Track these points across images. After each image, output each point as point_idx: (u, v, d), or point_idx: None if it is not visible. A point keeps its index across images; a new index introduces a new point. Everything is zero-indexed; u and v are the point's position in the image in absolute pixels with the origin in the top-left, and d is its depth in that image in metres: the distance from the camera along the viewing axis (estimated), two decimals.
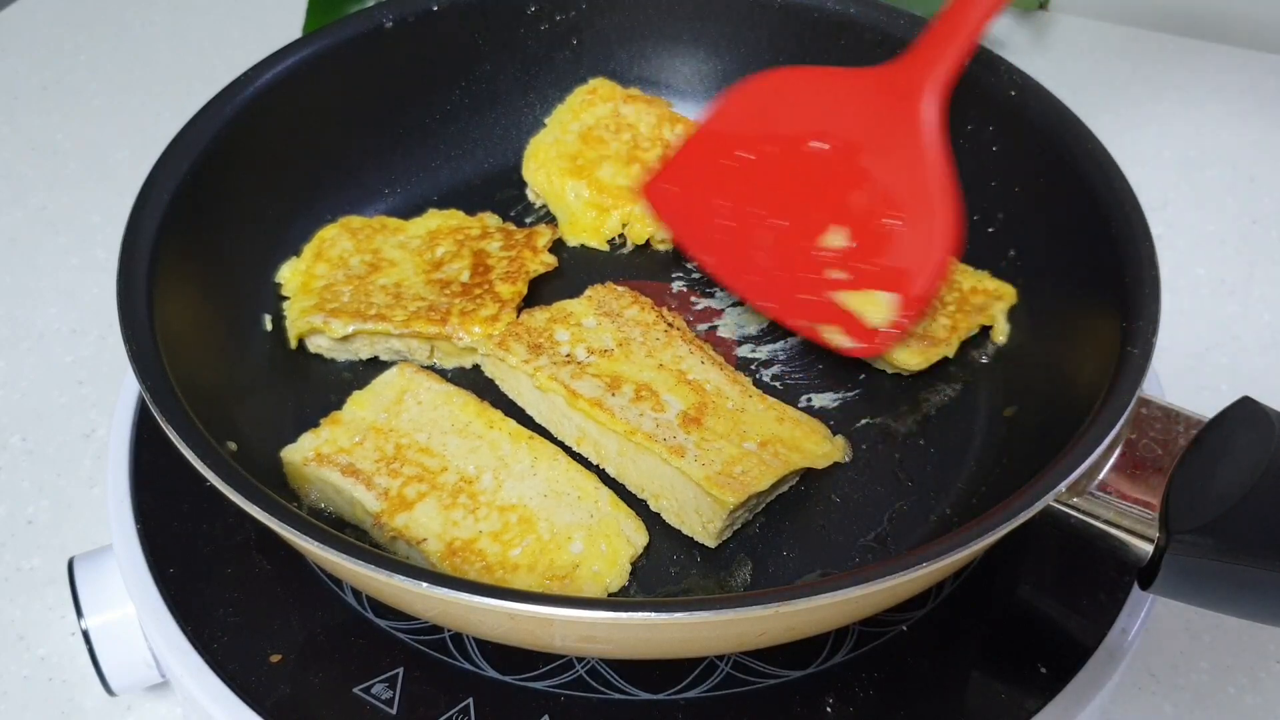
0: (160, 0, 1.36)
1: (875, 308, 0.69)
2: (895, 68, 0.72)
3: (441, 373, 0.75)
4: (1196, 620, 0.79)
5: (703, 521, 0.66)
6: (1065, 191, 0.72)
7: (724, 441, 0.67)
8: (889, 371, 0.76)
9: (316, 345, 0.76)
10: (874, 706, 0.62)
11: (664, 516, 0.68)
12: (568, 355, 0.71)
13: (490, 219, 0.82)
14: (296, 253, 0.79)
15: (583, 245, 0.84)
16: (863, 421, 0.73)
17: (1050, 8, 1.35)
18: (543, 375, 0.70)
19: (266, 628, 0.64)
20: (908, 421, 0.73)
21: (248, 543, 0.68)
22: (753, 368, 0.76)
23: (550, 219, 0.85)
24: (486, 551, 0.63)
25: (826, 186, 0.72)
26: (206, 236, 0.72)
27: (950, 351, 0.75)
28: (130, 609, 0.67)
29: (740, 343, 0.78)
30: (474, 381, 0.75)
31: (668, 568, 0.66)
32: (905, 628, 0.65)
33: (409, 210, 0.84)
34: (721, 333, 0.78)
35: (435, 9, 0.83)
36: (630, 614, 0.49)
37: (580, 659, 0.63)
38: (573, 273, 0.81)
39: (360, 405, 0.70)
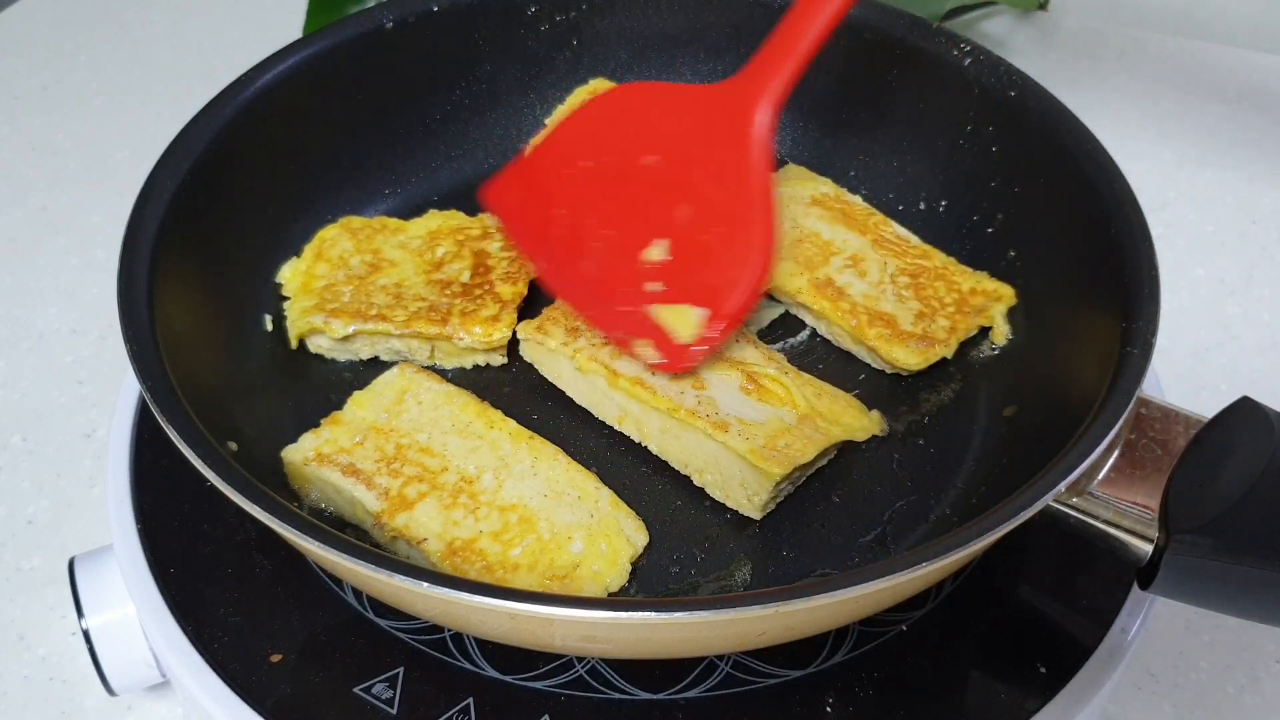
0: (160, 0, 1.36)
1: (685, 323, 0.69)
2: (732, 83, 0.72)
3: (442, 373, 0.75)
4: (1196, 620, 0.79)
5: (748, 494, 0.67)
6: (1065, 192, 0.72)
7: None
8: (888, 372, 0.76)
9: (317, 345, 0.76)
10: (874, 706, 0.62)
11: (708, 491, 0.69)
12: (605, 337, 0.72)
13: (491, 219, 0.82)
14: (297, 253, 0.79)
15: None
16: None
17: (1050, 8, 1.35)
18: (583, 357, 0.71)
19: (267, 627, 0.64)
20: (907, 421, 0.73)
21: (248, 543, 0.68)
22: None
23: None
24: (487, 551, 0.63)
25: (655, 200, 0.72)
26: (206, 236, 0.72)
27: (949, 352, 0.75)
28: (130, 609, 0.67)
29: None
30: (474, 381, 0.75)
31: (668, 567, 0.66)
32: (905, 628, 0.65)
33: (409, 210, 0.84)
34: None
35: (435, 9, 0.83)
36: (630, 614, 0.49)
37: (580, 659, 0.63)
38: None
39: (361, 405, 0.70)
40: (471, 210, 0.83)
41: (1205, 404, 0.61)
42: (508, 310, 0.75)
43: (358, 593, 0.66)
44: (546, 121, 0.87)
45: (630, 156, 0.74)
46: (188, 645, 0.63)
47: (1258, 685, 0.76)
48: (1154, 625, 0.77)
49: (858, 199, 0.84)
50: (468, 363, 0.76)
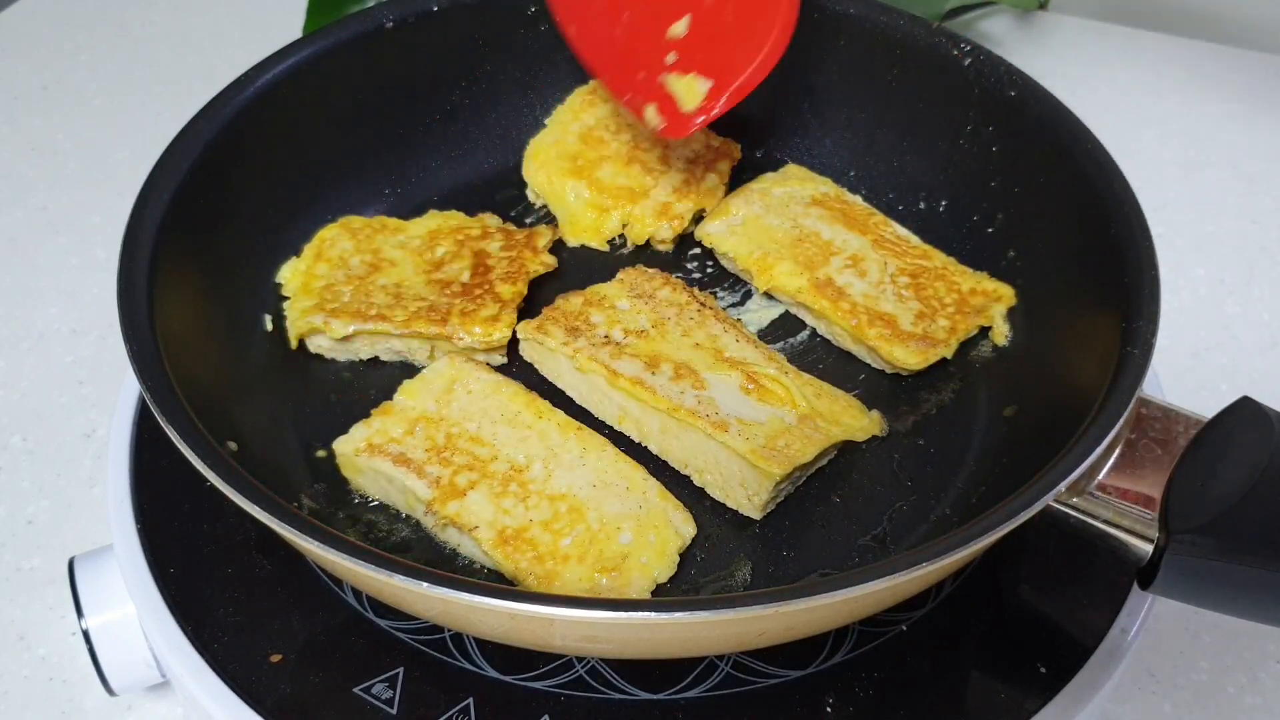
0: (160, 0, 1.36)
1: (691, 94, 0.72)
2: None
3: None
4: (1196, 620, 0.79)
5: (748, 494, 0.67)
6: (1065, 192, 0.72)
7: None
8: (888, 372, 0.76)
9: (317, 345, 0.76)
10: (874, 706, 0.62)
11: (708, 491, 0.69)
12: (605, 337, 0.73)
13: (490, 219, 0.82)
14: (297, 253, 0.79)
15: (583, 245, 0.84)
16: None
17: (1050, 8, 1.35)
18: (582, 356, 0.71)
19: (267, 628, 0.64)
20: (907, 421, 0.73)
21: (248, 543, 0.68)
22: None
23: (550, 219, 0.85)
24: (538, 541, 0.63)
25: None
26: (206, 236, 0.72)
27: (949, 352, 0.75)
28: (130, 609, 0.67)
29: None
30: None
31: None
32: (905, 628, 0.65)
33: (409, 210, 0.84)
34: None
35: (435, 9, 0.83)
36: (630, 614, 0.49)
37: (580, 659, 0.63)
38: (573, 273, 0.81)
39: (410, 395, 0.70)
40: (471, 210, 0.83)
41: (1205, 404, 0.61)
42: (507, 310, 0.75)
43: (358, 593, 0.66)
44: (546, 121, 0.87)
45: None
46: (187, 645, 0.63)
47: (1258, 685, 0.76)
48: (1154, 625, 0.77)
49: (858, 199, 0.84)
50: None
